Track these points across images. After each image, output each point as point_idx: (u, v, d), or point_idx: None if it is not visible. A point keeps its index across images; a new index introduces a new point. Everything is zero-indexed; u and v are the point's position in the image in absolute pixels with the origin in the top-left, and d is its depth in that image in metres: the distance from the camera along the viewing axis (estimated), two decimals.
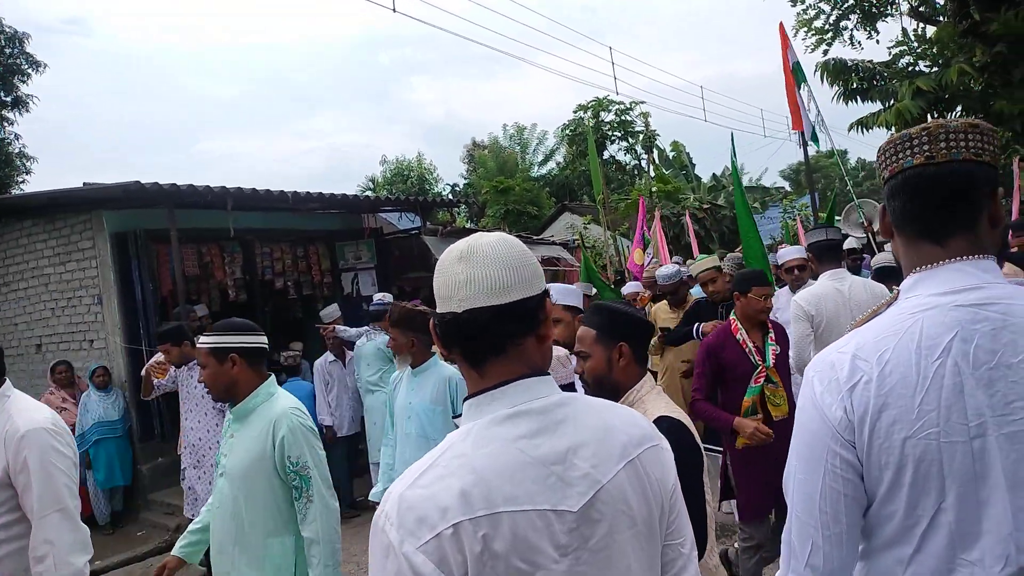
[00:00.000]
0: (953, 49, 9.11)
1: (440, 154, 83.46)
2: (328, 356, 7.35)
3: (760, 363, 3.94)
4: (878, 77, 9.68)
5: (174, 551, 2.92)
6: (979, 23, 8.27)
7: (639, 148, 24.46)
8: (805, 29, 10.33)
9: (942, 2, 9.86)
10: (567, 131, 25.49)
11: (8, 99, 17.77)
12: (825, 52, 10.50)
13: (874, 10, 10.81)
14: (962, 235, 1.31)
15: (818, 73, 9.39)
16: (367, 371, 6.87)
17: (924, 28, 10.19)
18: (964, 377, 1.22)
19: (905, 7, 10.20)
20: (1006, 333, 1.22)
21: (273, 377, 2.90)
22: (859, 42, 10.82)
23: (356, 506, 7.31)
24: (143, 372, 6.15)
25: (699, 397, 4.03)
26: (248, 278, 9.67)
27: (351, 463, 7.30)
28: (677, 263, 10.56)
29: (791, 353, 4.49)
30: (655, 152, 25.04)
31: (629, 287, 8.19)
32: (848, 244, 7.34)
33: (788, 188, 39.49)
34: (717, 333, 4.11)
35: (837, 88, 9.70)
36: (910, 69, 9.88)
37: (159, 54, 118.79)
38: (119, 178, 7.04)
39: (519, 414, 1.19)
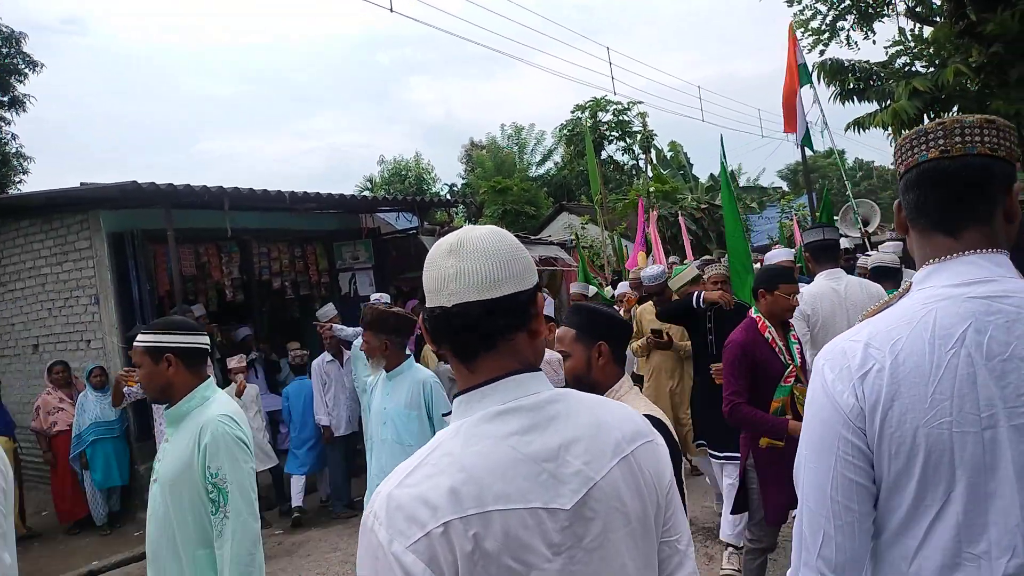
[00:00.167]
0: (949, 49, 9.13)
1: (438, 154, 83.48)
2: (325, 356, 7.36)
3: (790, 362, 3.77)
4: (875, 77, 9.69)
5: None
6: (975, 23, 8.28)
7: (637, 148, 24.44)
8: (802, 30, 10.34)
9: (939, 2, 9.88)
10: (565, 131, 25.47)
11: (5, 99, 17.77)
12: (822, 53, 10.52)
13: (870, 10, 10.83)
14: (976, 228, 1.31)
15: (815, 73, 9.41)
16: (364, 371, 6.83)
17: (921, 28, 10.21)
18: (977, 368, 1.21)
19: (902, 7, 10.23)
20: (1019, 326, 1.22)
21: (212, 380, 2.77)
22: (855, 43, 10.83)
23: (354, 506, 7.32)
24: (115, 380, 6.04)
25: (740, 400, 3.71)
26: (245, 278, 9.66)
27: (349, 463, 7.30)
28: (674, 263, 10.58)
29: None
30: (653, 152, 25.04)
31: (622, 287, 8.21)
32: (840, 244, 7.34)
33: (786, 188, 39.53)
34: (746, 330, 3.85)
35: (834, 88, 9.71)
36: (907, 69, 9.89)
37: (157, 54, 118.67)
38: (117, 178, 7.04)
39: (510, 411, 1.17)
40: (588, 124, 21.82)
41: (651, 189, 21.33)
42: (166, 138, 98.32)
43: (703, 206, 21.62)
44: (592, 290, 9.03)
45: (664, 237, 17.41)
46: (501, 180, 24.55)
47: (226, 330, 9.51)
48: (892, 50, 10.12)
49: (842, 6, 11.07)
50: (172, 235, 7.28)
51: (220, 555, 2.46)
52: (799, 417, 3.68)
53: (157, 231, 7.68)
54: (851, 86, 9.64)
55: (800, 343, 3.95)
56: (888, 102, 9.20)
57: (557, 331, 2.47)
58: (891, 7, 10.62)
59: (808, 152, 9.47)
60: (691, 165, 26.87)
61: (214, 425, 2.53)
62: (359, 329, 7.20)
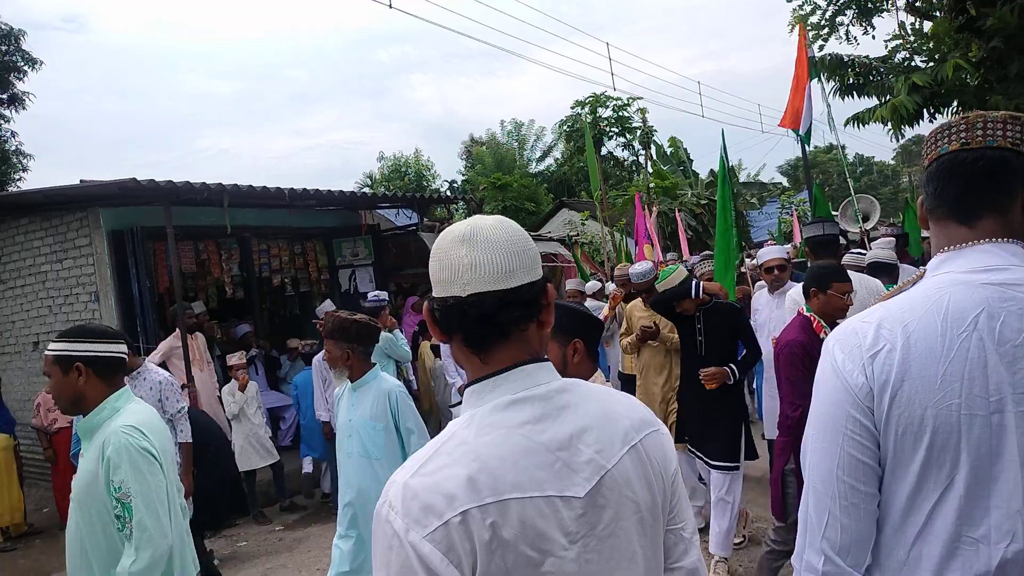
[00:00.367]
0: (949, 44, 9.11)
1: (438, 151, 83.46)
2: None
3: None
4: (874, 72, 9.67)
5: None
6: (975, 18, 8.27)
7: (636, 144, 24.44)
8: (799, 25, 10.32)
9: None
10: (565, 127, 25.49)
11: (4, 96, 17.74)
12: (821, 48, 10.49)
13: (870, 5, 10.82)
14: (991, 218, 1.32)
15: (815, 69, 9.40)
16: None
17: (920, 23, 10.19)
18: (988, 352, 1.22)
19: (901, 2, 10.21)
20: None
21: (127, 389, 2.64)
22: (855, 37, 10.81)
23: None
24: None
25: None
26: (245, 275, 9.67)
27: None
28: (672, 259, 10.58)
29: None
30: (652, 148, 25.02)
31: (608, 284, 8.19)
32: None
33: (786, 184, 39.52)
34: (803, 330, 3.64)
35: (833, 84, 9.70)
36: (906, 64, 9.87)
37: (157, 51, 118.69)
38: (117, 175, 7.04)
39: (522, 400, 1.17)
40: (588, 120, 21.79)
41: (651, 185, 21.32)
42: (166, 135, 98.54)
43: (703, 202, 21.60)
44: (596, 285, 9.01)
45: (664, 233, 17.42)
46: (501, 176, 24.56)
47: (226, 327, 9.54)
48: (891, 44, 10.12)
49: (841, 1, 11.05)
50: (172, 232, 7.28)
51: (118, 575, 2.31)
52: None
53: (157, 228, 7.68)
54: (850, 81, 9.62)
55: None
56: (888, 97, 9.19)
57: None
58: (891, 1, 10.61)
59: (808, 147, 9.47)
60: (691, 161, 26.84)
61: (116, 437, 2.39)
62: None
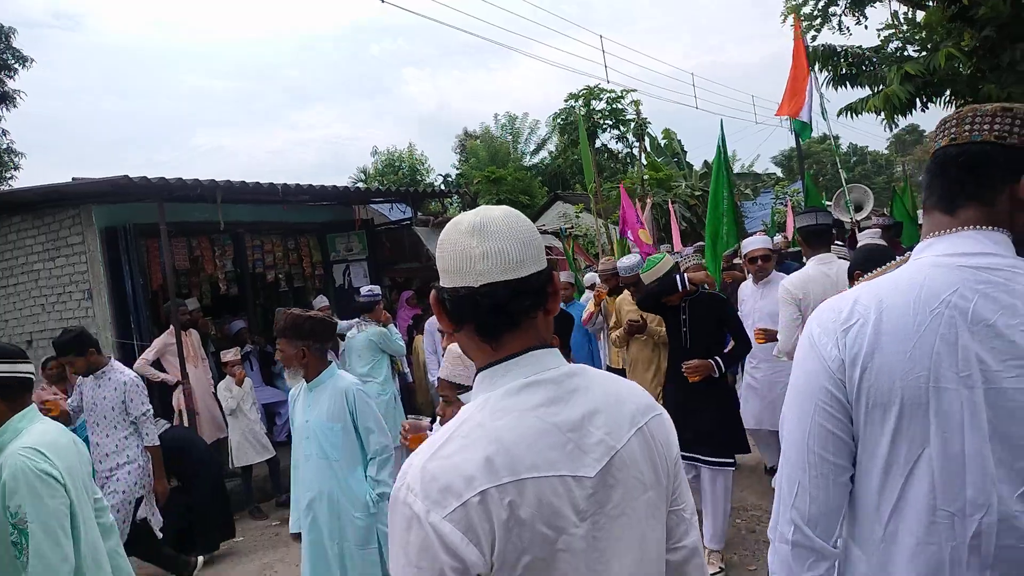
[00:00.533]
0: (941, 33, 9.10)
1: (432, 145, 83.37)
2: None
3: None
4: (867, 62, 9.67)
5: None
6: (967, 7, 8.26)
7: (630, 136, 24.40)
8: (794, 15, 10.30)
9: None
10: (559, 120, 25.41)
11: None
12: (813, 38, 10.47)
13: None
14: (972, 207, 1.35)
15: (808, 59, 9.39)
16: (358, 362, 6.88)
17: (913, 12, 10.18)
18: (959, 329, 1.26)
19: None
20: (1006, 297, 1.26)
21: (32, 408, 2.53)
22: (847, 28, 10.79)
23: None
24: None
25: None
26: (239, 271, 9.64)
27: None
28: (667, 251, 10.57)
29: (779, 337, 4.50)
30: (647, 140, 25.00)
31: (589, 278, 8.16)
32: None
33: (780, 174, 39.52)
34: None
35: (826, 74, 9.69)
36: (899, 54, 9.87)
37: (150, 49, 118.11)
38: (110, 173, 7.01)
39: (534, 384, 1.19)
40: (582, 113, 21.76)
41: (645, 177, 21.32)
42: (160, 133, 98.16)
43: (697, 193, 21.62)
44: (593, 277, 8.97)
45: (659, 225, 17.42)
46: (495, 170, 24.54)
47: (220, 323, 9.52)
48: (884, 34, 10.11)
49: None
50: (165, 229, 7.26)
51: None
52: None
53: (150, 225, 7.66)
54: (843, 71, 9.62)
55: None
56: (880, 87, 9.19)
57: None
58: None
59: (808, 137, 9.43)
60: (685, 153, 26.86)
61: (14, 459, 2.28)
62: (352, 322, 7.23)
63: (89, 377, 5.07)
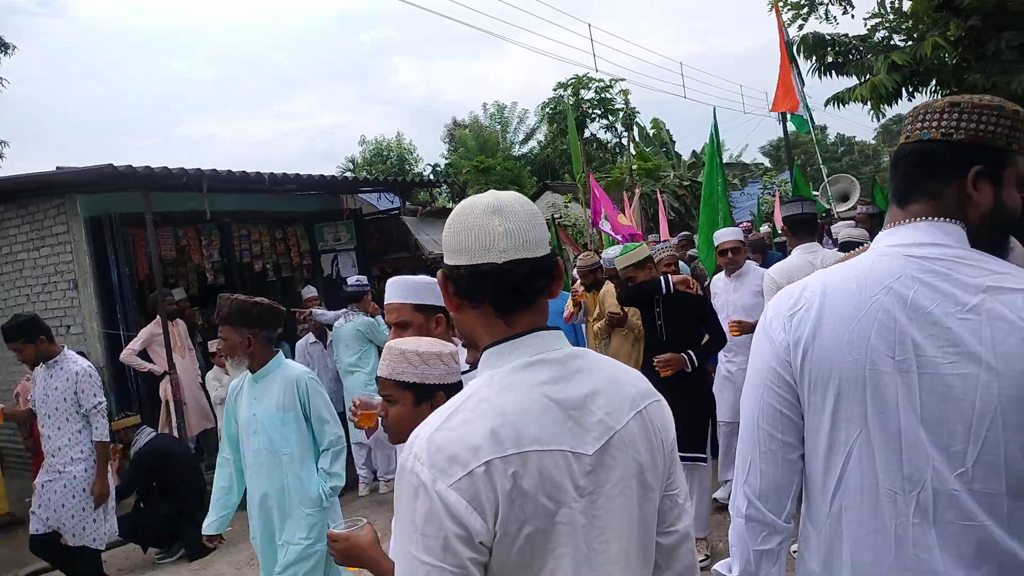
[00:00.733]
0: (928, 23, 9.11)
1: (421, 134, 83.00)
2: (309, 338, 7.36)
3: None
4: (854, 51, 9.67)
5: None
6: None
7: (619, 126, 24.42)
8: (781, 3, 10.30)
9: None
10: (547, 110, 25.39)
11: None
12: (800, 27, 10.46)
13: None
14: (922, 201, 1.39)
15: (794, 48, 9.39)
16: (346, 352, 6.88)
17: (899, 1, 10.18)
18: (897, 315, 1.30)
19: None
20: (948, 286, 1.29)
21: None
22: (835, 17, 10.76)
23: None
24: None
25: None
26: (226, 261, 9.61)
27: None
28: (655, 241, 10.57)
29: None
30: (635, 130, 25.01)
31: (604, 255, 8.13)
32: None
33: (768, 164, 39.64)
34: None
35: (813, 63, 9.68)
36: (885, 43, 9.87)
37: (135, 36, 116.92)
38: (97, 162, 6.95)
39: (539, 362, 1.22)
40: (570, 102, 21.73)
41: (633, 167, 21.33)
42: (146, 121, 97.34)
43: (685, 183, 21.66)
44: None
45: (647, 215, 17.45)
46: (484, 159, 24.47)
47: (207, 313, 9.46)
48: (871, 22, 10.10)
49: None
50: (151, 219, 7.21)
51: None
52: None
53: (135, 215, 7.61)
54: (830, 60, 9.61)
55: None
56: (867, 76, 9.19)
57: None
58: None
59: (791, 128, 9.47)
60: (673, 142, 26.88)
61: None
62: (339, 312, 7.21)
63: (42, 367, 4.81)
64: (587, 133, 24.10)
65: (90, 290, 7.64)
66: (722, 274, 5.57)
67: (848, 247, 5.65)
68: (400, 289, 2.51)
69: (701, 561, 4.51)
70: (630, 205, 12.26)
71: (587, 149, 22.74)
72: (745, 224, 12.47)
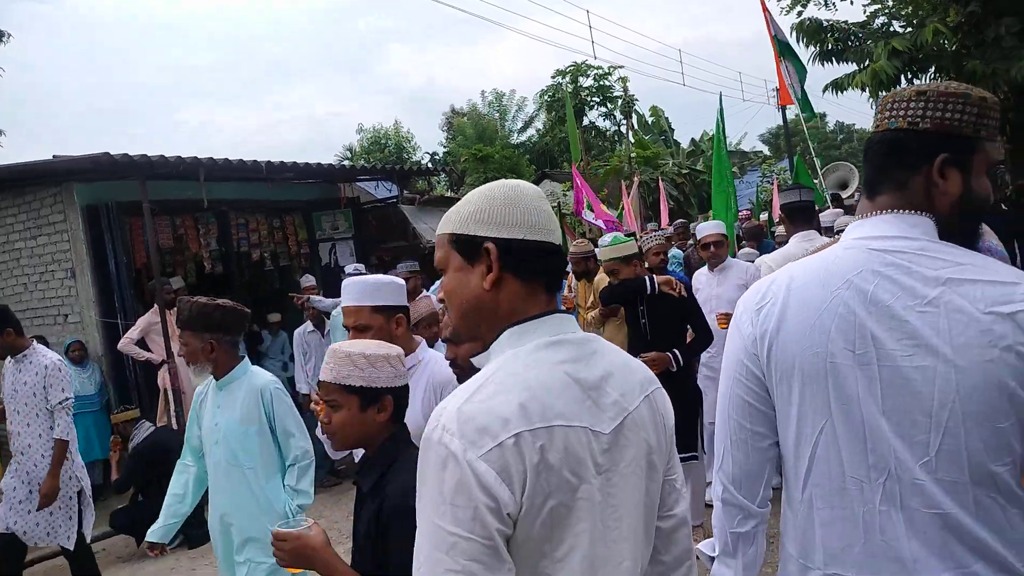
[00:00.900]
0: (927, 9, 9.07)
1: (419, 122, 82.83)
2: (307, 326, 7.35)
3: None
4: (853, 38, 9.62)
5: None
6: None
7: (618, 114, 24.36)
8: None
9: None
10: (546, 97, 25.34)
11: None
12: (799, 14, 10.41)
13: None
14: (888, 193, 1.41)
15: (793, 34, 9.35)
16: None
17: None
18: (858, 308, 1.32)
19: None
20: (908, 279, 1.30)
21: None
22: (834, 3, 10.72)
23: (338, 474, 7.38)
24: None
25: None
26: (224, 249, 9.60)
27: None
28: (653, 229, 10.58)
29: None
30: (634, 117, 24.94)
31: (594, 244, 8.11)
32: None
33: (767, 152, 39.57)
34: None
35: (813, 49, 9.63)
36: (885, 29, 9.82)
37: (132, 23, 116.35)
38: (93, 150, 6.93)
39: (560, 342, 1.25)
40: (569, 90, 21.66)
41: (632, 155, 21.28)
42: (144, 109, 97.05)
43: (684, 171, 21.61)
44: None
45: (646, 203, 17.42)
46: (482, 148, 24.41)
47: None
48: (870, 9, 10.05)
49: None
50: (148, 207, 7.20)
51: None
52: None
53: (132, 203, 7.60)
54: (829, 47, 9.57)
55: None
56: (867, 63, 9.15)
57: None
58: None
59: (790, 115, 9.46)
60: (672, 130, 26.80)
61: None
62: (337, 300, 7.20)
63: (10, 361, 4.63)
64: (586, 121, 24.05)
65: (87, 279, 7.63)
66: (705, 268, 5.51)
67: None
68: (356, 291, 2.42)
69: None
70: (629, 194, 12.25)
71: (586, 137, 22.70)
72: (744, 212, 12.47)
